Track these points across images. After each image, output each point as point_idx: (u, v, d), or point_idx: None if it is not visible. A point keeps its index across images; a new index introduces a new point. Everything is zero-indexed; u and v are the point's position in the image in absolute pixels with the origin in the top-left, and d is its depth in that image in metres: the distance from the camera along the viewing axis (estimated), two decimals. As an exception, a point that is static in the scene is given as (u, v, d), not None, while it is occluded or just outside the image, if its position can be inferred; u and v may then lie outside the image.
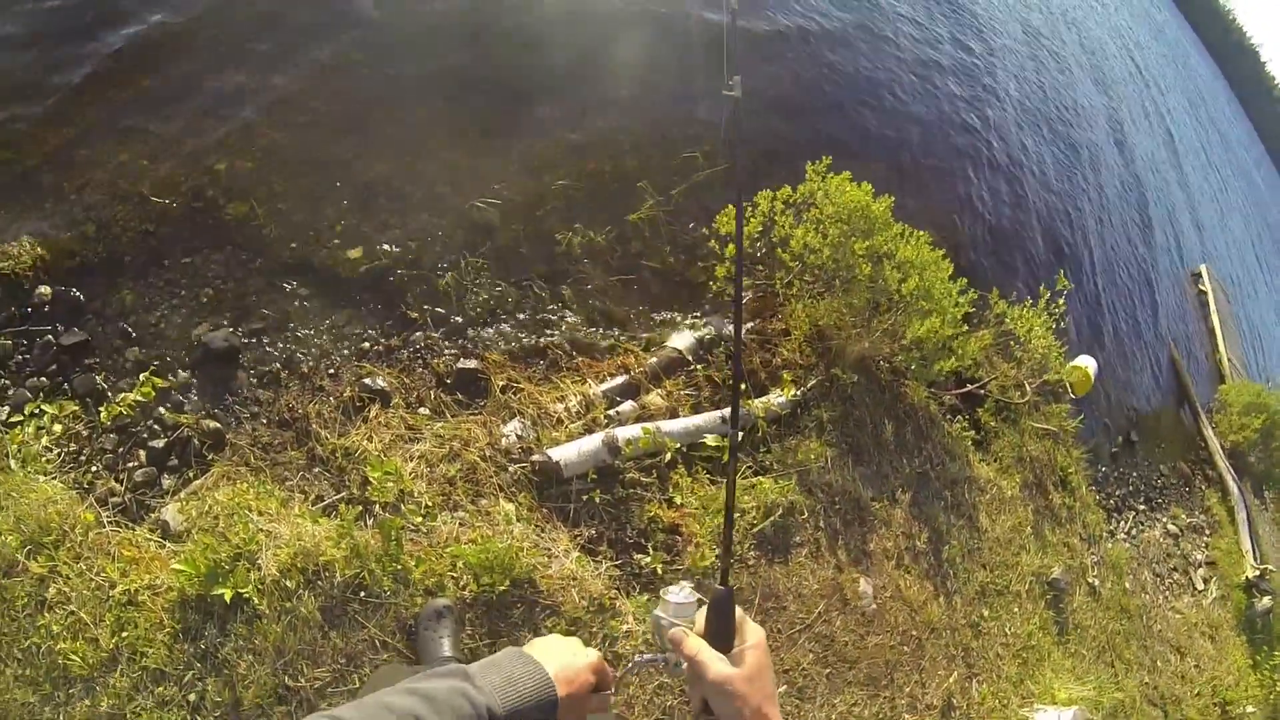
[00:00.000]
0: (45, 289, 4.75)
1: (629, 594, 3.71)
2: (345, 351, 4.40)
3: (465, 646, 3.38)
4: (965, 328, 4.72)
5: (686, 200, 5.33)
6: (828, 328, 4.51)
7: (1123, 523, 7.40)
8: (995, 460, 5.45)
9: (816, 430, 4.37)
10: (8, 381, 4.47)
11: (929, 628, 4.39)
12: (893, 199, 4.34)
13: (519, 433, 3.93)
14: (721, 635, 1.30)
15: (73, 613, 3.47)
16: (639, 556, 3.79)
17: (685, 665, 1.28)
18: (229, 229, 4.85)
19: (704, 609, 1.34)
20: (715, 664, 1.24)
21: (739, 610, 1.31)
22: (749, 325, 4.65)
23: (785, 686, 3.85)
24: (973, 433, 5.31)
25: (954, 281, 4.44)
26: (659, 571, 3.75)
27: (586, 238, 4.98)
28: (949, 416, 5.19)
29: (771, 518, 3.99)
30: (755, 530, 3.97)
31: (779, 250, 4.37)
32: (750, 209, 4.43)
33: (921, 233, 4.39)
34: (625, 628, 3.56)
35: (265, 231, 4.83)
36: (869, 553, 4.34)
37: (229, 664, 3.31)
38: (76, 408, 4.31)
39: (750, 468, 4.14)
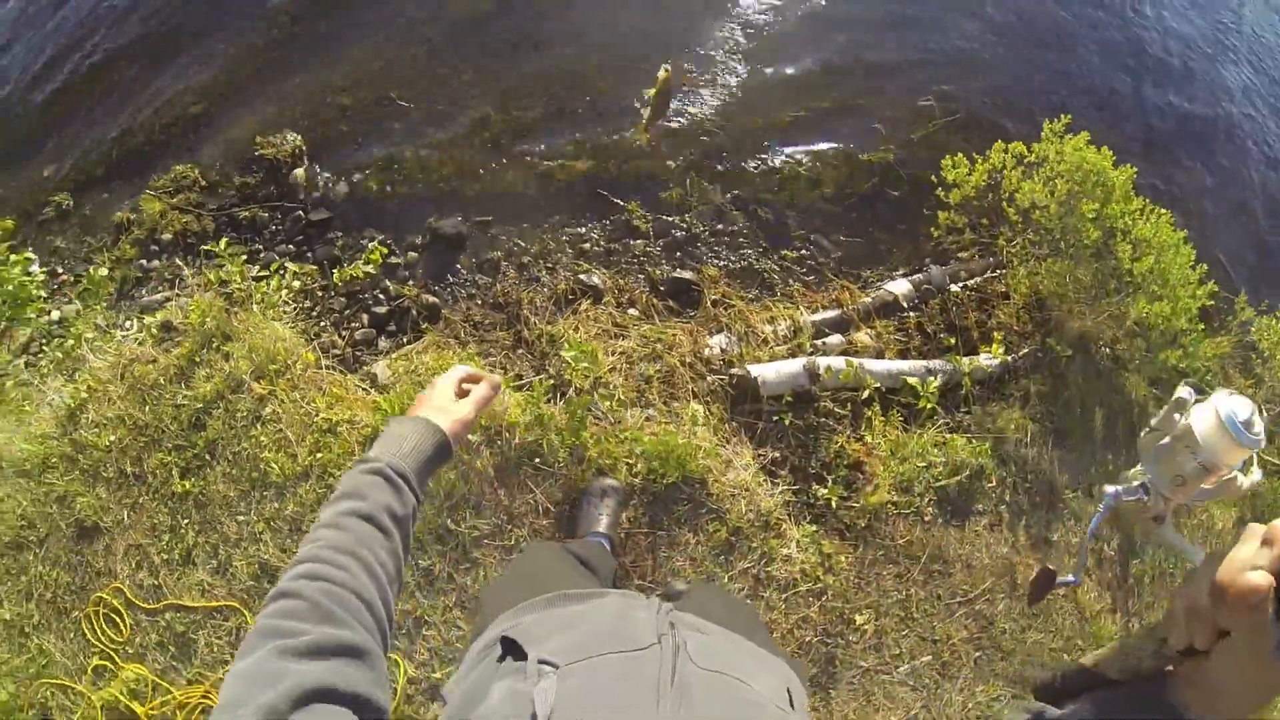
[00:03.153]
0: (300, 172, 5.36)
1: (798, 522, 3.69)
2: (565, 249, 4.61)
3: (622, 530, 3.50)
4: (1201, 326, 4.39)
5: (920, 145, 5.24)
6: (1049, 296, 4.27)
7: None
8: (1213, 485, 5.06)
9: (1021, 401, 4.17)
10: (260, 246, 5.05)
11: (1096, 642, 4.13)
12: (1135, 170, 4.10)
13: (723, 346, 3.97)
14: None
15: (280, 430, 3.85)
16: (817, 487, 3.77)
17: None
18: (469, 130, 5.18)
19: None
20: None
21: None
22: (969, 282, 4.51)
23: (929, 657, 3.73)
24: (1193, 448, 4.93)
25: (1194, 270, 4.14)
26: (833, 505, 3.71)
27: (815, 170, 5.00)
28: (1169, 423, 4.85)
29: (958, 476, 3.86)
30: (938, 485, 3.85)
31: (1005, 205, 4.22)
32: (981, 159, 4.29)
33: (1165, 212, 4.12)
34: (785, 552, 3.56)
35: (501, 137, 5.16)
36: (1051, 542, 4.12)
37: None
38: (314, 270, 4.73)
39: (946, 424, 4.02)
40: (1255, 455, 1.83)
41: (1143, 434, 1.95)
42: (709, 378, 3.89)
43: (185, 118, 6.06)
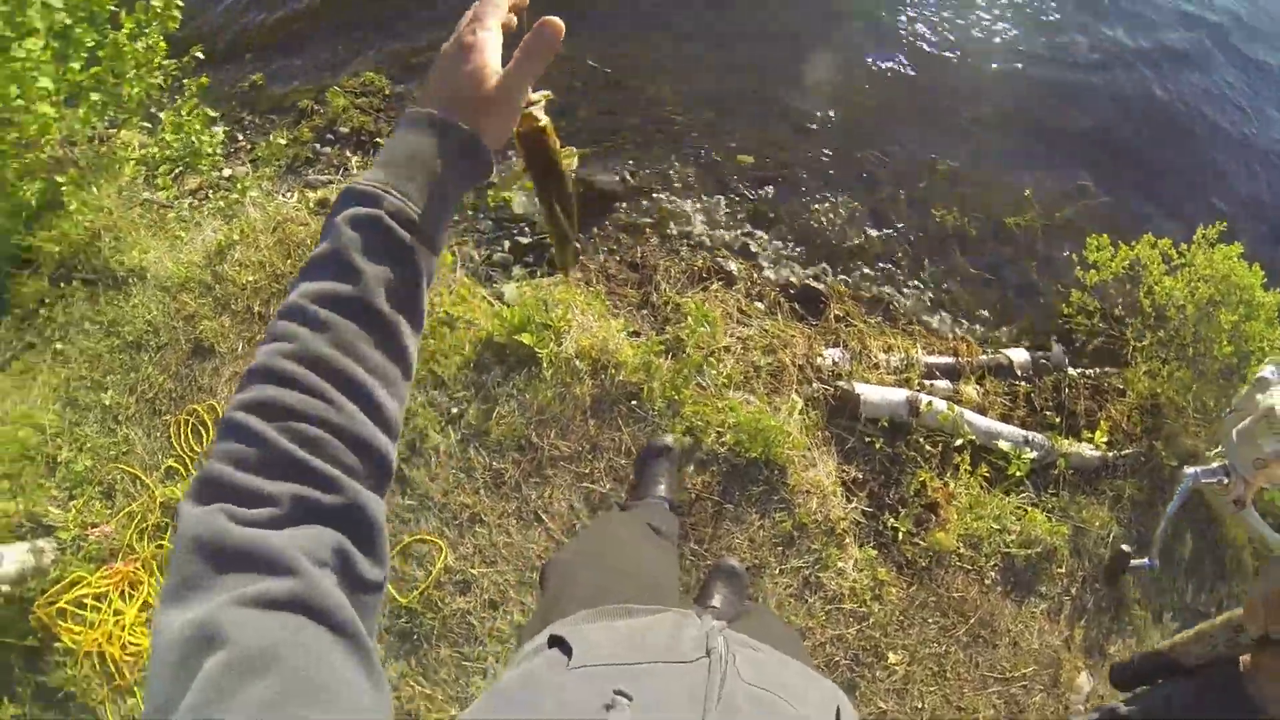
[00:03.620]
0: None
1: (861, 544, 3.71)
2: (710, 231, 4.76)
3: (692, 491, 3.60)
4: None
5: (1068, 222, 5.34)
6: (1165, 404, 4.23)
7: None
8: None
9: (1113, 500, 4.11)
10: None
11: (1122, 771, 4.01)
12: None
13: (836, 360, 4.06)
14: None
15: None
16: (888, 517, 3.79)
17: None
18: (642, 102, 5.59)
19: None
20: None
21: None
22: (1088, 370, 4.49)
23: (950, 725, 3.69)
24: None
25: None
26: (899, 536, 3.73)
27: (961, 223, 5.13)
28: (1265, 579, 4.69)
29: (1029, 550, 3.83)
30: (1007, 552, 3.83)
31: (1142, 298, 4.22)
32: (1125, 248, 4.30)
33: (1310, 346, 4.04)
34: (841, 565, 3.59)
35: (676, 117, 5.47)
36: (1105, 653, 4.03)
37: (495, 401, 3.81)
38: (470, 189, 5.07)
39: (1029, 498, 3.99)
40: None
41: (1224, 415, 1.97)
42: (815, 384, 3.98)
43: (387, 32, 6.57)
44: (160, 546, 4.07)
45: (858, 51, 6.02)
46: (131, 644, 3.96)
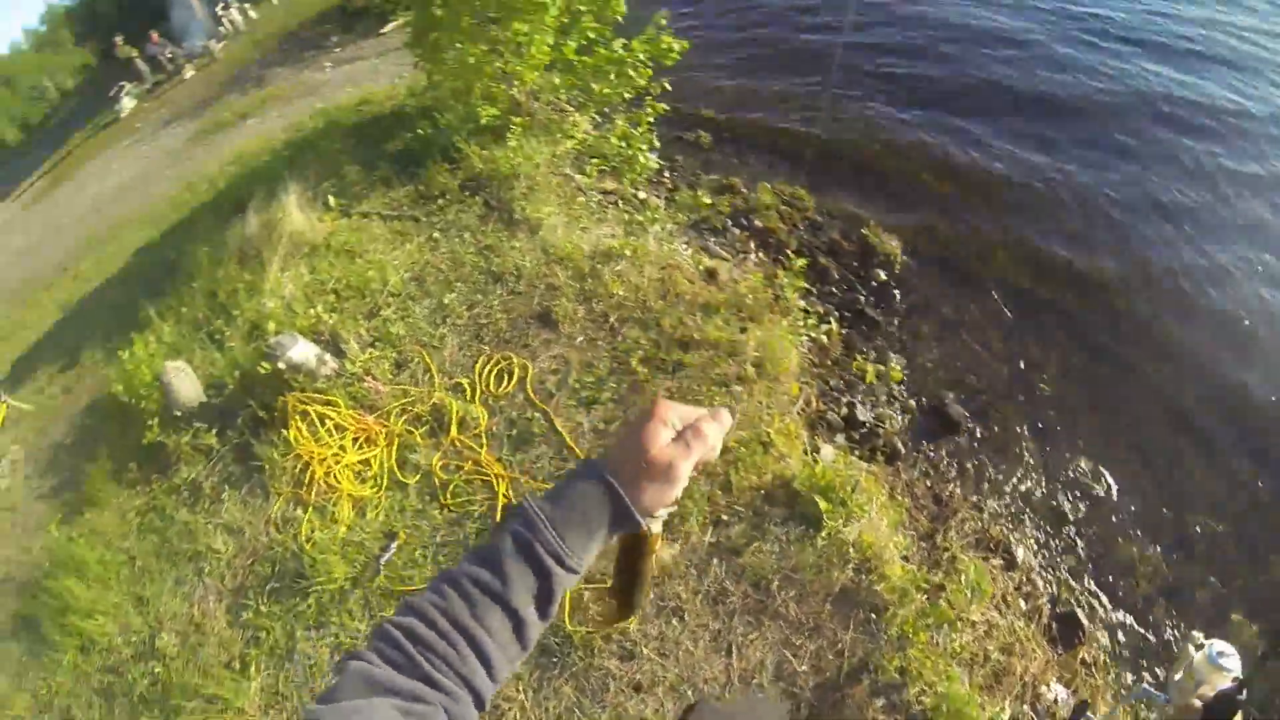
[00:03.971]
0: (883, 274, 6.14)
1: None
2: (1019, 509, 4.92)
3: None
4: None
5: None
6: None
7: None
8: None
9: None
10: (814, 290, 5.79)
11: None
12: None
13: (1060, 699, 4.10)
14: None
15: (742, 411, 4.69)
16: None
17: None
18: (1021, 358, 5.88)
19: None
20: None
21: None
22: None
23: None
24: None
25: None
26: None
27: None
28: None
29: None
30: None
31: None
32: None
33: None
34: None
35: (1044, 387, 5.73)
36: None
37: (763, 534, 4.22)
38: (840, 341, 5.41)
39: None
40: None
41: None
42: (1026, 706, 4.03)
43: (854, 167, 7.11)
44: (410, 432, 4.89)
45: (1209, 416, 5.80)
46: (336, 478, 4.77)
